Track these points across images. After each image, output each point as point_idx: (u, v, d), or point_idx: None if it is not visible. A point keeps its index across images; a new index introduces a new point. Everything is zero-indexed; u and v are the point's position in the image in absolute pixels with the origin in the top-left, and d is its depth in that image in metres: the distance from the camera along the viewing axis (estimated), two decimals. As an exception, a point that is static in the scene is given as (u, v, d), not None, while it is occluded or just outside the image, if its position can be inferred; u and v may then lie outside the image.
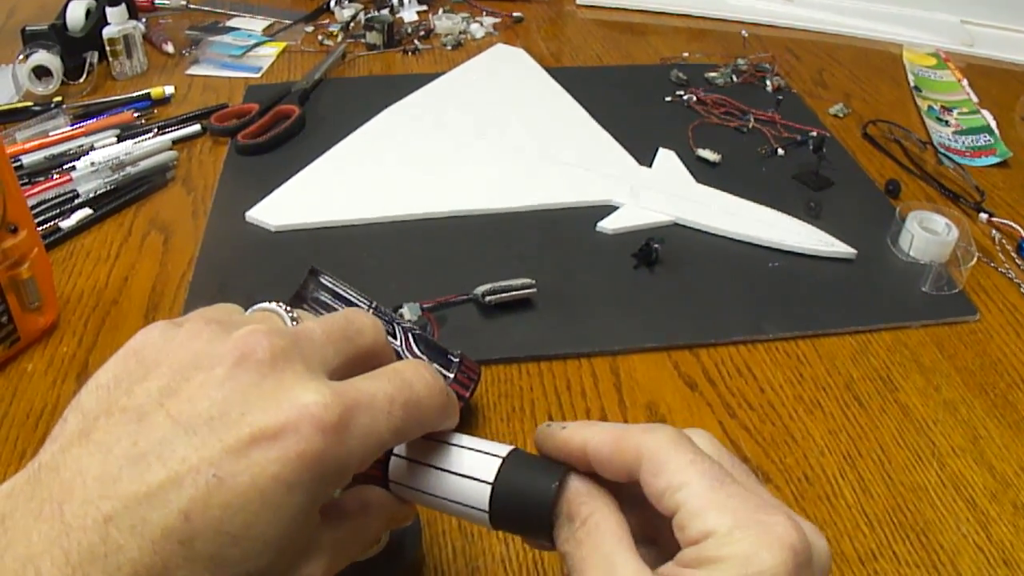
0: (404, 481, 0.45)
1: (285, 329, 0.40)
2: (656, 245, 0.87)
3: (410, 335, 0.67)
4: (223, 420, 0.35)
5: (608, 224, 0.93)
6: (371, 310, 0.68)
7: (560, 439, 0.43)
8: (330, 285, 0.68)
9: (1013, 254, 0.94)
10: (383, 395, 0.39)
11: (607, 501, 0.41)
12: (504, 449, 0.43)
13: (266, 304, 0.44)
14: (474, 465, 0.43)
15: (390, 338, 0.65)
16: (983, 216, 0.99)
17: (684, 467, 0.39)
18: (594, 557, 0.39)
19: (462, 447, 0.44)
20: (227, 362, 0.37)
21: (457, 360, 0.68)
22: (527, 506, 0.42)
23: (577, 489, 0.41)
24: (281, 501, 0.35)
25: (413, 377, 0.41)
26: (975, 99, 1.24)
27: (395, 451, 0.45)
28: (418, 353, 0.66)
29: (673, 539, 0.38)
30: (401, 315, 0.77)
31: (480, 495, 0.42)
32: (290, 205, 0.95)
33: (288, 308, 0.43)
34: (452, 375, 0.67)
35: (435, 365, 0.66)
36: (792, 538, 0.36)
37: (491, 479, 0.42)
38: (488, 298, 0.80)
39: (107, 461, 0.34)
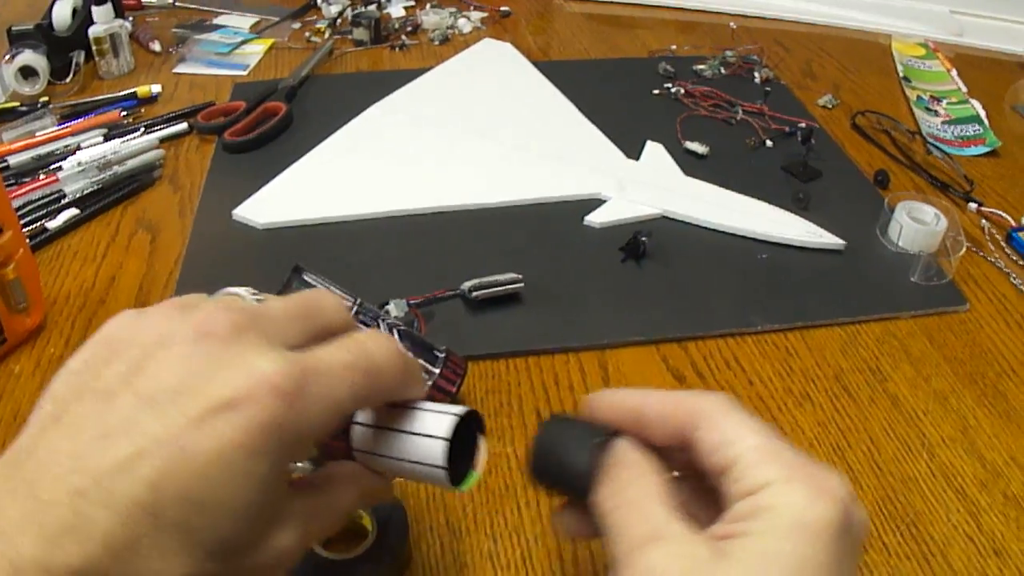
0: (366, 447, 0.46)
1: (245, 307, 0.41)
2: (644, 238, 0.87)
3: (395, 331, 0.67)
4: (186, 393, 0.36)
5: (595, 218, 0.93)
6: (355, 306, 0.68)
7: (615, 399, 0.45)
8: (313, 283, 0.68)
9: (1002, 243, 0.94)
10: (341, 362, 0.40)
11: (649, 461, 0.43)
12: (462, 409, 0.44)
13: (232, 288, 0.45)
14: (430, 424, 0.44)
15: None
16: (972, 206, 0.98)
17: (740, 423, 0.41)
18: (637, 516, 0.40)
19: (421, 410, 0.45)
20: (188, 339, 0.38)
21: (443, 356, 0.68)
22: (569, 463, 0.44)
23: (622, 448, 0.43)
24: (244, 468, 0.36)
25: (372, 345, 0.42)
26: (964, 89, 1.24)
27: (356, 419, 0.46)
28: (403, 349, 0.66)
29: (708, 509, 0.41)
30: (387, 311, 0.77)
31: (435, 452, 0.43)
32: (277, 203, 0.95)
33: (254, 292, 0.45)
34: (438, 371, 0.67)
35: (421, 361, 0.66)
36: (843, 493, 0.38)
37: (446, 435, 0.43)
38: (475, 293, 0.80)
39: (77, 440, 0.36)
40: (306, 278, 0.68)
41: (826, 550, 0.37)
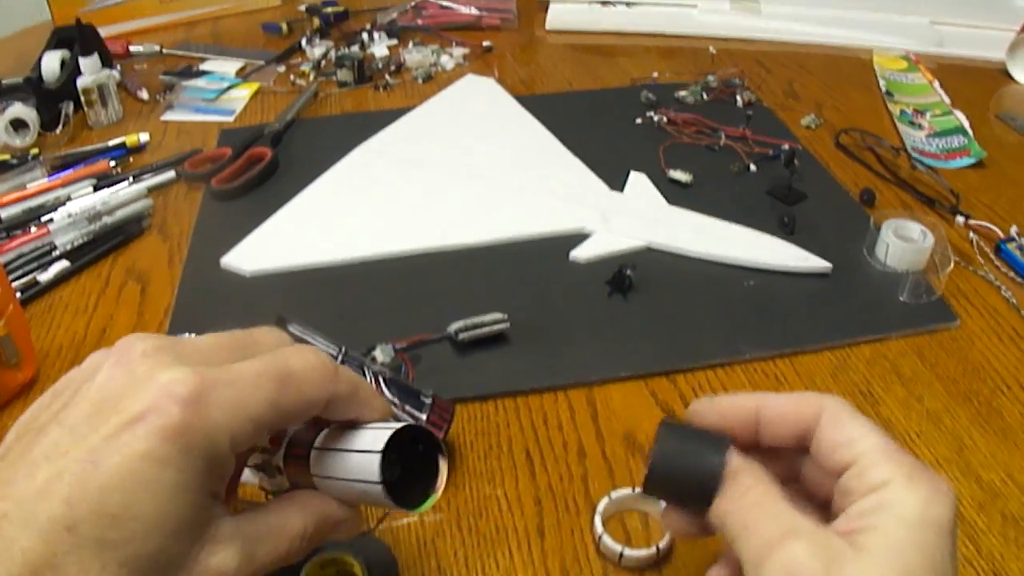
0: (319, 471, 0.46)
1: (171, 336, 0.42)
2: (629, 271, 0.87)
3: (380, 378, 0.67)
4: (100, 414, 0.38)
5: (580, 253, 0.93)
6: (340, 355, 0.68)
7: (728, 404, 0.48)
8: (298, 333, 0.68)
9: (991, 256, 0.94)
10: (251, 370, 0.41)
11: (764, 469, 0.45)
12: (400, 424, 0.44)
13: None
14: (368, 439, 0.44)
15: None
16: (960, 219, 0.98)
17: (862, 424, 0.44)
18: (769, 515, 0.43)
19: (366, 428, 0.45)
20: (106, 366, 0.40)
21: (429, 401, 0.68)
22: (696, 474, 0.45)
23: (739, 457, 0.45)
24: (153, 477, 0.37)
25: (290, 355, 0.43)
26: (947, 100, 1.25)
27: (315, 444, 0.46)
28: (389, 396, 0.66)
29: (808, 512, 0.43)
30: (373, 358, 0.77)
31: (371, 467, 0.43)
32: (264, 250, 0.95)
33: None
34: (424, 416, 0.67)
35: (407, 407, 0.66)
36: (954, 496, 0.41)
37: (380, 448, 0.43)
38: (461, 335, 0.80)
39: (8, 472, 0.38)
40: (291, 329, 0.68)
41: (946, 544, 0.40)
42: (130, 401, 0.38)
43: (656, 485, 0.46)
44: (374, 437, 0.44)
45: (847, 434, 0.44)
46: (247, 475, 0.50)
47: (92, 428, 0.37)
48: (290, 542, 0.43)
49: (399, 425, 0.44)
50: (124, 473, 0.36)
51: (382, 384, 0.67)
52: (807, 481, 0.49)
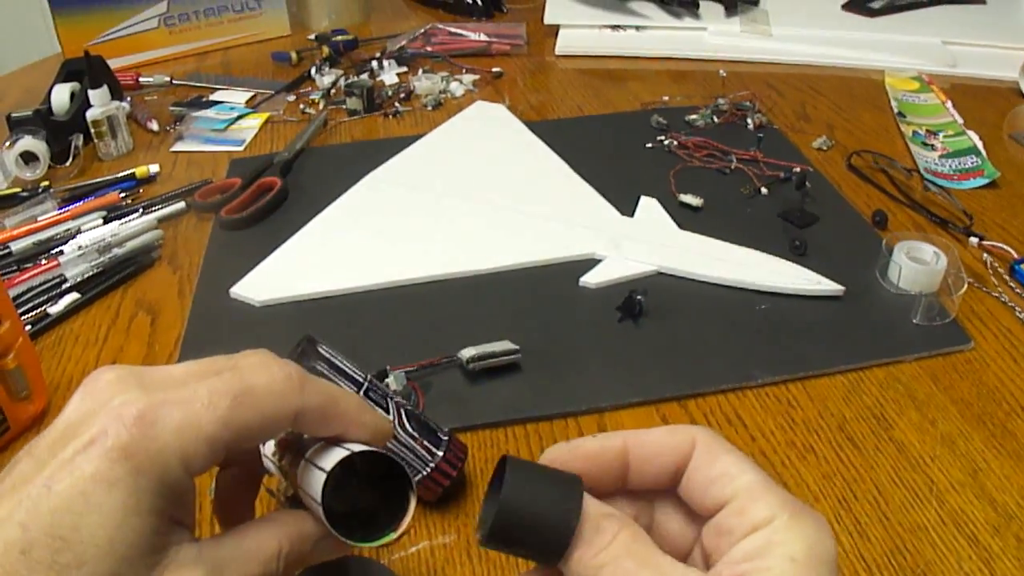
0: (298, 482, 0.45)
1: (139, 366, 0.42)
2: (640, 297, 0.87)
3: (402, 411, 0.67)
4: (60, 441, 0.38)
5: (591, 278, 0.93)
6: (365, 383, 0.67)
7: (592, 446, 0.43)
8: (327, 355, 0.68)
9: (1005, 276, 0.93)
10: (205, 390, 0.40)
11: (624, 513, 0.41)
12: (362, 448, 0.43)
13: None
14: (330, 457, 0.43)
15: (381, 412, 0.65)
16: (973, 240, 0.98)
17: (738, 459, 0.41)
18: (641, 569, 0.38)
19: (338, 446, 0.44)
20: (75, 398, 0.40)
21: (446, 439, 0.67)
22: (546, 523, 0.39)
23: (595, 502, 0.40)
24: (103, 500, 0.36)
25: (251, 370, 0.42)
26: (960, 120, 1.24)
27: (306, 455, 0.45)
28: (410, 430, 0.66)
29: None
30: (387, 384, 0.77)
31: (317, 484, 0.42)
32: (273, 279, 0.95)
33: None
34: (441, 453, 0.66)
35: (425, 442, 0.66)
36: (831, 532, 0.39)
37: (330, 467, 0.42)
38: (472, 365, 0.80)
39: None
40: (321, 350, 0.68)
41: None
42: (85, 427, 0.38)
43: (499, 536, 0.39)
44: (334, 456, 0.43)
45: (722, 468, 0.40)
46: (269, 466, 0.49)
47: (52, 455, 0.38)
48: (264, 565, 0.42)
49: (361, 449, 0.43)
50: (74, 495, 0.36)
51: (403, 417, 0.66)
52: (661, 528, 0.45)
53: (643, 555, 0.39)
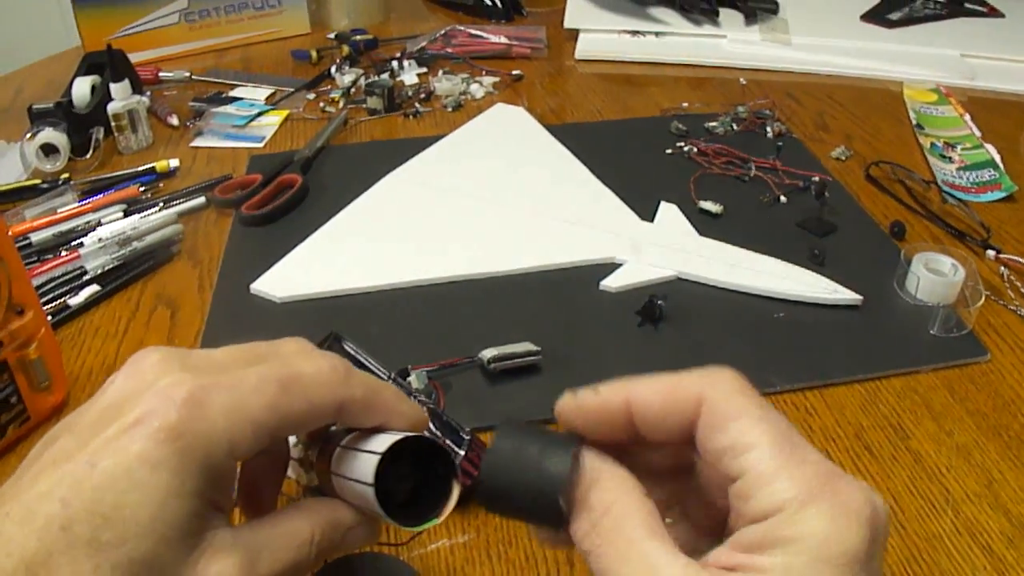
0: (335, 468, 0.45)
1: (182, 348, 0.42)
2: (660, 302, 0.87)
3: (425, 410, 0.67)
4: (104, 419, 0.38)
5: (611, 282, 0.93)
6: (389, 382, 0.68)
7: (594, 406, 0.40)
8: (353, 352, 0.68)
9: (1022, 290, 0.93)
10: (254, 375, 0.40)
11: (628, 480, 0.38)
12: (416, 434, 0.43)
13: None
14: (378, 441, 0.43)
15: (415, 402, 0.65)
16: (990, 253, 0.98)
17: (752, 424, 0.36)
18: (628, 555, 0.35)
19: (384, 432, 0.44)
20: (118, 378, 0.40)
21: (468, 438, 0.68)
22: (531, 489, 0.37)
23: (594, 468, 0.38)
24: (147, 479, 0.36)
25: (301, 360, 0.42)
26: (978, 133, 1.24)
27: (342, 443, 0.45)
28: (432, 429, 0.66)
29: (704, 511, 0.39)
30: (409, 383, 0.77)
31: (367, 467, 0.41)
32: (294, 276, 0.96)
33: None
34: (463, 453, 0.67)
35: (448, 441, 0.67)
36: (870, 511, 0.34)
37: (382, 450, 0.41)
38: (493, 365, 0.80)
39: (18, 477, 0.38)
40: (346, 347, 0.68)
41: None
42: (131, 405, 0.38)
43: (490, 500, 0.38)
44: (384, 440, 0.42)
45: (730, 440, 0.36)
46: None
47: (94, 432, 0.38)
48: (297, 551, 0.42)
49: (413, 434, 0.43)
50: (118, 474, 0.36)
51: (428, 416, 0.67)
52: (702, 476, 0.41)
53: (633, 539, 0.36)
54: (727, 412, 0.37)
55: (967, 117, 1.29)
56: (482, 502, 0.39)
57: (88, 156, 1.23)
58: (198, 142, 1.29)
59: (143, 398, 0.38)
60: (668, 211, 1.05)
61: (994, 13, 1.63)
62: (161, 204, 1.11)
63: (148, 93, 1.37)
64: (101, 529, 0.35)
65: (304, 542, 0.42)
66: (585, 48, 1.55)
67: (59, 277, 0.98)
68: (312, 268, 0.97)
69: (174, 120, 1.34)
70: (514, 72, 1.46)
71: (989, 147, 1.20)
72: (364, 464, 0.42)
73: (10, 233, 1.01)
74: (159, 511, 0.36)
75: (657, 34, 1.56)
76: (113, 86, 1.23)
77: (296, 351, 0.44)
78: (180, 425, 0.37)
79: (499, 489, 0.38)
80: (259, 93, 1.43)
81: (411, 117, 1.34)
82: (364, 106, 1.36)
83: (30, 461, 0.39)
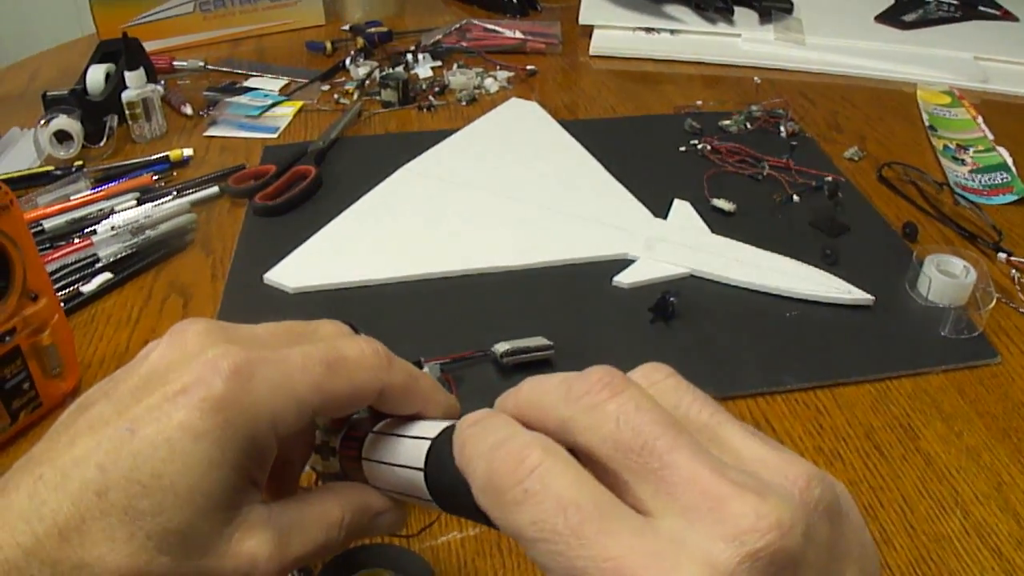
0: (370, 454, 0.45)
1: (223, 322, 0.42)
2: (672, 298, 0.87)
3: None
4: (146, 387, 0.38)
5: (624, 278, 0.93)
6: None
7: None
8: None
9: (1034, 294, 0.93)
10: (299, 353, 0.40)
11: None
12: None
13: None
14: (426, 428, 0.43)
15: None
16: (1002, 256, 0.98)
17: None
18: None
19: (429, 420, 0.44)
20: (160, 347, 0.40)
21: None
22: (454, 481, 0.36)
23: None
24: (188, 449, 0.36)
25: (341, 340, 0.42)
26: (990, 136, 1.24)
27: (373, 428, 0.45)
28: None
29: None
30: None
31: (417, 452, 0.41)
32: (308, 267, 0.96)
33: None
34: None
35: None
36: (762, 524, 0.28)
37: (433, 435, 0.41)
38: (506, 359, 0.80)
39: (51, 441, 0.38)
40: None
41: None
42: (176, 374, 0.38)
43: (437, 496, 0.39)
44: (431, 427, 0.42)
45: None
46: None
47: (136, 400, 0.37)
48: (327, 532, 0.42)
49: (454, 422, 0.42)
50: (159, 442, 0.36)
51: None
52: None
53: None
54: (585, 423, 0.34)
55: (980, 120, 1.29)
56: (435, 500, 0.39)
57: (101, 144, 1.23)
58: (212, 131, 1.29)
59: (188, 367, 0.38)
60: (681, 208, 1.05)
61: (1008, 16, 1.63)
62: (174, 193, 1.11)
63: (162, 82, 1.37)
64: (138, 497, 0.35)
65: (334, 524, 0.42)
66: (599, 44, 1.55)
67: (72, 264, 0.98)
68: (325, 259, 0.97)
69: (188, 109, 1.34)
70: (528, 67, 1.46)
71: (1001, 150, 1.20)
72: (412, 449, 0.42)
73: (30, 216, 1.01)
74: (198, 482, 0.36)
75: (672, 31, 1.56)
76: (128, 74, 1.23)
77: (335, 333, 0.44)
78: (226, 396, 0.37)
79: (435, 487, 0.39)
80: (273, 84, 1.43)
81: (425, 110, 1.34)
82: (378, 98, 1.36)
83: (63, 425, 0.39)
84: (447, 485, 0.38)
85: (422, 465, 0.40)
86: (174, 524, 0.36)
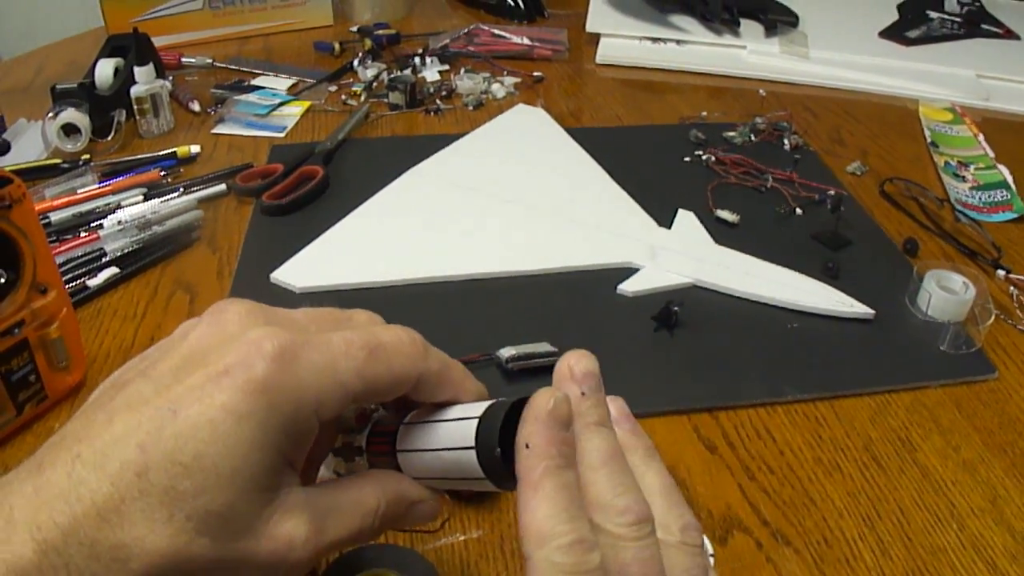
0: (407, 444, 0.45)
1: (260, 304, 0.42)
2: (676, 308, 0.88)
3: None
4: (187, 367, 0.38)
5: (628, 287, 0.94)
6: None
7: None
8: None
9: (1031, 311, 0.94)
10: (341, 338, 0.40)
11: None
12: (500, 400, 0.43)
13: None
14: (468, 409, 0.43)
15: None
16: (1000, 273, 0.99)
17: None
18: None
19: (460, 405, 0.45)
20: (200, 327, 0.40)
21: None
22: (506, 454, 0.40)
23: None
24: (231, 430, 0.36)
25: (381, 328, 0.43)
26: (991, 154, 1.25)
27: (404, 420, 0.46)
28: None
29: None
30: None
31: (465, 432, 0.42)
32: (314, 267, 0.96)
33: None
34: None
35: None
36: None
37: (479, 414, 0.42)
38: (511, 364, 0.81)
39: (87, 418, 0.38)
40: None
41: None
42: (218, 355, 0.38)
43: (492, 472, 0.41)
44: (472, 408, 0.43)
45: None
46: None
47: (176, 380, 0.37)
48: (362, 519, 0.42)
49: (500, 400, 0.43)
50: (202, 423, 0.36)
51: None
52: None
53: None
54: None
55: (981, 137, 1.29)
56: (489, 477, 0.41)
57: (109, 138, 1.23)
58: (219, 129, 1.30)
59: (231, 348, 0.38)
60: (686, 218, 1.06)
61: (1010, 35, 1.64)
62: (181, 189, 1.11)
63: (170, 78, 1.37)
64: (179, 478, 0.35)
65: (369, 511, 0.43)
66: (606, 53, 1.56)
67: (78, 258, 0.98)
68: (332, 260, 0.98)
69: (196, 106, 1.35)
70: (535, 74, 1.47)
71: (1002, 168, 1.21)
72: (456, 431, 0.42)
73: (36, 208, 1.02)
74: (241, 464, 0.36)
75: (678, 42, 1.57)
76: (137, 69, 1.23)
77: (370, 321, 0.45)
78: (270, 378, 0.37)
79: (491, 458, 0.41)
80: (281, 83, 1.44)
81: (432, 114, 1.35)
82: (386, 101, 1.37)
83: (98, 403, 0.39)
84: (498, 458, 0.40)
85: (471, 443, 0.41)
86: (215, 505, 0.36)
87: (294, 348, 0.38)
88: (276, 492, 0.39)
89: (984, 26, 1.65)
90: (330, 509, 0.41)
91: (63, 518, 0.34)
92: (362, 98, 1.38)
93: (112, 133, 1.24)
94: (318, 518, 0.40)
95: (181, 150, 1.20)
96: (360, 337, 0.41)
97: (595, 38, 1.61)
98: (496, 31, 1.61)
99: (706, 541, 0.61)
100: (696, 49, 1.57)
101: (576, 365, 0.44)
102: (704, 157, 1.20)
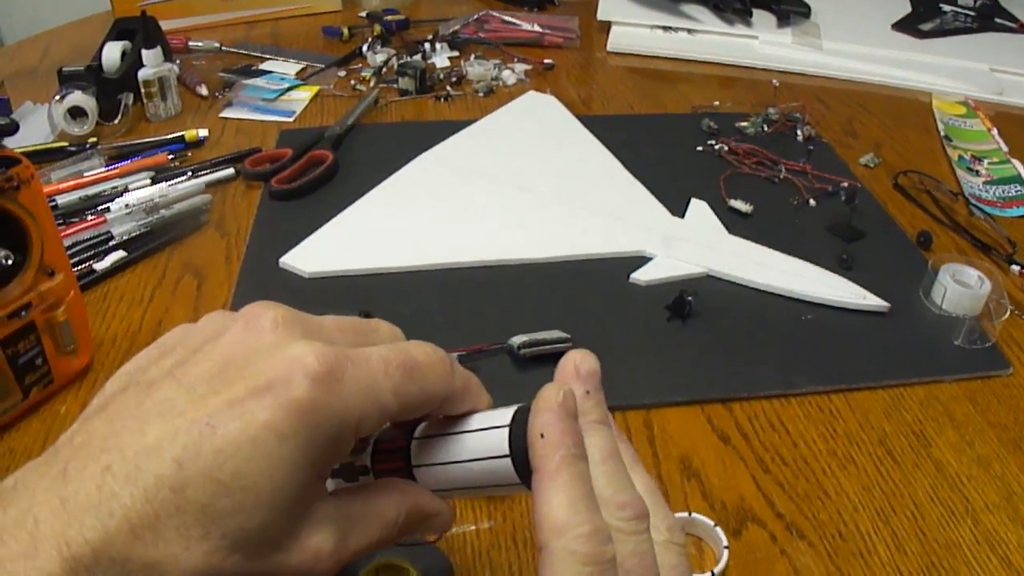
0: (425, 460, 0.44)
1: (293, 310, 0.41)
2: (689, 298, 0.87)
3: None
4: (223, 377, 0.37)
5: (641, 276, 0.93)
6: None
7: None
8: None
9: (1045, 307, 0.93)
10: (378, 356, 0.40)
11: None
12: (522, 405, 0.43)
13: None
14: (493, 418, 0.43)
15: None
16: (1015, 268, 0.98)
17: None
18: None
19: (483, 413, 0.44)
20: (234, 330, 0.39)
21: None
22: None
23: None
24: (273, 450, 0.35)
25: (411, 346, 0.42)
26: (1005, 148, 1.24)
27: (415, 435, 0.45)
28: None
29: None
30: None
31: (496, 441, 0.42)
32: (323, 252, 0.96)
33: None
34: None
35: None
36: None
37: (507, 422, 0.42)
38: (523, 351, 0.80)
39: (113, 423, 0.36)
40: None
41: None
42: (257, 369, 0.37)
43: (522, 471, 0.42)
44: (490, 416, 0.43)
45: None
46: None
47: (213, 391, 0.36)
48: (382, 530, 0.42)
49: (521, 405, 0.43)
50: (242, 441, 0.35)
51: None
52: None
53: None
54: None
55: (994, 131, 1.29)
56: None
57: (116, 122, 1.23)
58: (227, 113, 1.29)
59: (271, 361, 0.37)
60: (699, 208, 1.05)
61: (1023, 29, 1.63)
62: (189, 173, 1.11)
63: (178, 62, 1.36)
64: (217, 496, 0.34)
65: (389, 522, 0.42)
66: (617, 41, 1.55)
67: (85, 241, 0.98)
68: (342, 245, 0.97)
69: (203, 90, 1.34)
70: (546, 61, 1.46)
71: (1016, 163, 1.20)
72: (484, 441, 0.42)
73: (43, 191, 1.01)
74: (280, 483, 0.36)
75: (689, 31, 1.57)
76: (145, 53, 1.23)
77: (395, 335, 0.44)
78: (315, 400, 0.36)
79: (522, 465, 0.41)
80: (289, 67, 1.43)
81: (442, 100, 1.34)
82: (395, 86, 1.36)
83: (124, 405, 0.37)
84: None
85: (505, 452, 0.41)
86: (252, 524, 0.35)
87: (339, 368, 0.38)
88: (309, 506, 0.38)
89: (998, 20, 1.64)
90: (355, 520, 0.41)
91: (93, 534, 0.33)
92: (371, 83, 1.38)
93: (119, 116, 1.23)
94: (343, 529, 0.40)
95: (189, 134, 1.19)
96: (396, 356, 0.40)
97: (606, 26, 1.60)
98: (506, 18, 1.60)
99: (720, 532, 0.61)
100: (708, 38, 1.56)
101: (582, 364, 0.44)
102: (716, 147, 1.19)
